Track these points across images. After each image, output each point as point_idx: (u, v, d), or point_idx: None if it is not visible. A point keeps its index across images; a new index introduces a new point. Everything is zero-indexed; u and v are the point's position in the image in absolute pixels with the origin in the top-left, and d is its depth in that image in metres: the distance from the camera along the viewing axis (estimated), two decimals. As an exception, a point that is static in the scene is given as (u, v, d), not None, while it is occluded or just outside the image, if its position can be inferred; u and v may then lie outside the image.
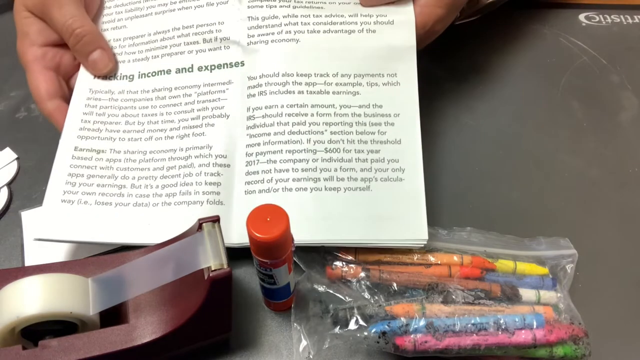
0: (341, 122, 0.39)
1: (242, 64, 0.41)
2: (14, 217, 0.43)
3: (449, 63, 0.52)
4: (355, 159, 0.38)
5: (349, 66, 0.40)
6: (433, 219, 0.40)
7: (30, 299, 0.30)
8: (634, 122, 0.49)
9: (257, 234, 0.30)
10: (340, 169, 0.37)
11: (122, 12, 0.44)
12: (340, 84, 0.40)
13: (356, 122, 0.39)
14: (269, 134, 0.39)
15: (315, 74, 0.40)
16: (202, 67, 0.42)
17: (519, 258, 0.38)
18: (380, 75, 0.40)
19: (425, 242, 0.36)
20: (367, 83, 0.40)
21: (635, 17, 0.59)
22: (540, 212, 0.43)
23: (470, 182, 0.45)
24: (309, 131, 0.38)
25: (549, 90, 0.52)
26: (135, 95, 0.41)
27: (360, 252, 0.37)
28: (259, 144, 0.39)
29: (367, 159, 0.38)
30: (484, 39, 0.55)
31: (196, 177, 0.38)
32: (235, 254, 0.36)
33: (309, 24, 0.41)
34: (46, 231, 0.37)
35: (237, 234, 0.37)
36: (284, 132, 0.38)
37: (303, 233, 0.34)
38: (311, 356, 0.35)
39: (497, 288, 0.36)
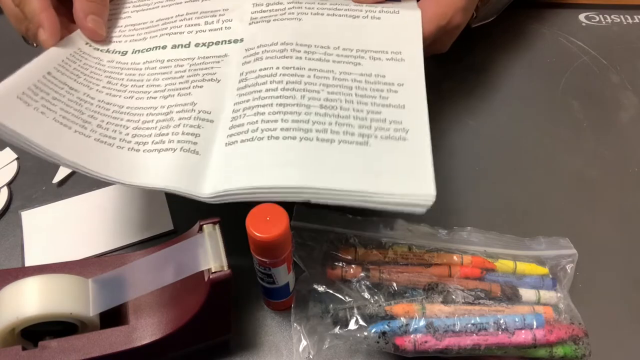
0: (340, 85, 0.36)
1: (241, 40, 0.40)
2: (14, 217, 0.43)
3: (448, 63, 0.52)
4: (354, 117, 0.34)
5: (351, 42, 0.39)
6: (433, 219, 0.41)
7: (30, 299, 0.30)
8: (634, 122, 0.49)
9: (256, 234, 0.30)
10: (336, 123, 0.34)
11: (129, 5, 0.43)
12: (342, 55, 0.38)
13: (356, 87, 0.36)
14: (259, 91, 0.36)
15: (315, 45, 0.38)
16: (199, 44, 0.40)
17: (519, 258, 0.38)
18: (384, 52, 0.38)
19: (433, 201, 0.31)
20: (369, 57, 0.38)
21: (635, 17, 0.59)
22: (540, 212, 0.43)
23: (470, 182, 0.45)
24: (304, 89, 0.35)
25: (549, 90, 0.52)
26: (125, 65, 0.39)
27: (360, 252, 0.38)
28: (247, 100, 0.36)
29: (366, 118, 0.34)
30: (483, 39, 0.55)
31: (174, 129, 0.35)
32: (235, 254, 0.36)
33: (312, 8, 0.41)
34: None
35: (210, 186, 0.32)
36: (277, 88, 0.35)
37: (289, 179, 0.31)
38: (311, 356, 0.35)
39: (497, 288, 0.36)
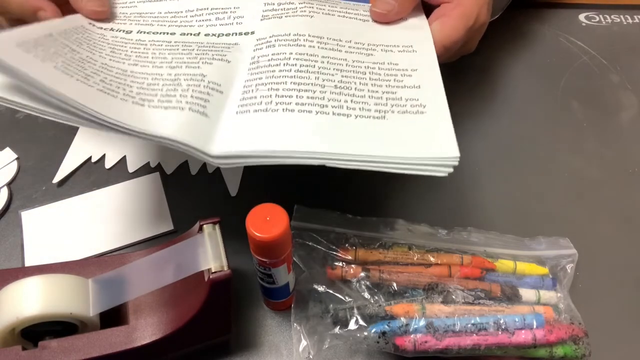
0: (353, 70, 0.36)
1: (253, 32, 0.40)
2: (14, 217, 0.43)
3: (447, 62, 0.52)
4: (369, 96, 0.34)
5: (362, 37, 0.39)
6: (433, 219, 0.41)
7: (30, 299, 0.30)
8: (634, 122, 0.49)
9: (256, 234, 0.30)
10: (352, 101, 0.33)
11: None
12: (354, 47, 0.38)
13: (370, 72, 0.36)
14: (273, 71, 0.35)
15: (328, 37, 0.38)
16: (209, 34, 0.40)
17: (519, 258, 0.38)
18: (396, 45, 0.39)
19: (457, 162, 0.30)
20: (381, 49, 0.38)
21: (635, 17, 0.59)
22: (540, 212, 0.43)
23: (470, 182, 0.45)
24: (317, 72, 0.35)
25: (549, 90, 0.52)
26: (129, 40, 0.38)
27: (360, 252, 0.38)
28: (260, 78, 0.35)
29: (382, 97, 0.34)
30: (483, 39, 0.54)
31: (182, 92, 0.33)
32: (235, 254, 0.36)
33: (324, 9, 0.41)
34: None
35: (219, 147, 0.31)
36: (290, 70, 0.35)
37: (308, 145, 0.30)
38: (311, 356, 0.35)
39: (497, 288, 0.36)
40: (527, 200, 0.44)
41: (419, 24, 0.40)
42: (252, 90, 0.34)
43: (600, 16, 0.59)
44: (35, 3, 0.37)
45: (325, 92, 0.34)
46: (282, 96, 0.33)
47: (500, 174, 0.45)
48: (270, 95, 0.33)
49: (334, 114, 0.33)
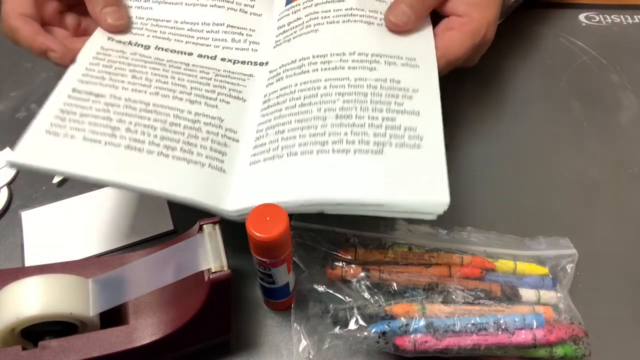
0: (355, 92, 0.37)
1: (266, 63, 0.42)
2: (14, 217, 0.43)
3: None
4: (369, 125, 0.35)
5: (366, 47, 0.40)
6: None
7: (30, 299, 0.30)
8: (634, 122, 0.49)
9: (256, 234, 0.30)
10: (351, 132, 0.35)
11: None
12: (357, 60, 0.39)
13: (371, 93, 0.37)
14: (280, 110, 0.38)
15: (331, 53, 0.40)
16: (225, 59, 0.41)
17: (519, 258, 0.38)
18: (399, 57, 0.39)
19: (446, 209, 0.32)
20: (385, 62, 0.39)
21: (635, 17, 0.59)
22: (540, 212, 0.43)
23: (471, 182, 0.45)
24: (320, 101, 0.37)
25: (549, 90, 0.52)
26: (149, 59, 0.40)
27: (360, 252, 0.38)
28: (270, 120, 0.38)
29: (381, 125, 0.35)
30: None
31: (202, 141, 0.36)
32: (235, 254, 0.36)
33: (328, 17, 0.42)
34: (24, 156, 0.33)
35: (234, 203, 0.35)
36: (295, 105, 0.37)
37: (307, 194, 0.33)
38: (311, 356, 0.35)
39: (497, 288, 0.36)
40: (527, 200, 0.44)
41: (425, 32, 0.41)
42: (263, 136, 0.37)
43: (600, 16, 0.59)
44: (44, 43, 0.38)
45: (326, 124, 0.36)
46: (287, 138, 0.36)
47: (500, 174, 0.45)
48: (277, 140, 0.36)
49: (333, 151, 0.34)
